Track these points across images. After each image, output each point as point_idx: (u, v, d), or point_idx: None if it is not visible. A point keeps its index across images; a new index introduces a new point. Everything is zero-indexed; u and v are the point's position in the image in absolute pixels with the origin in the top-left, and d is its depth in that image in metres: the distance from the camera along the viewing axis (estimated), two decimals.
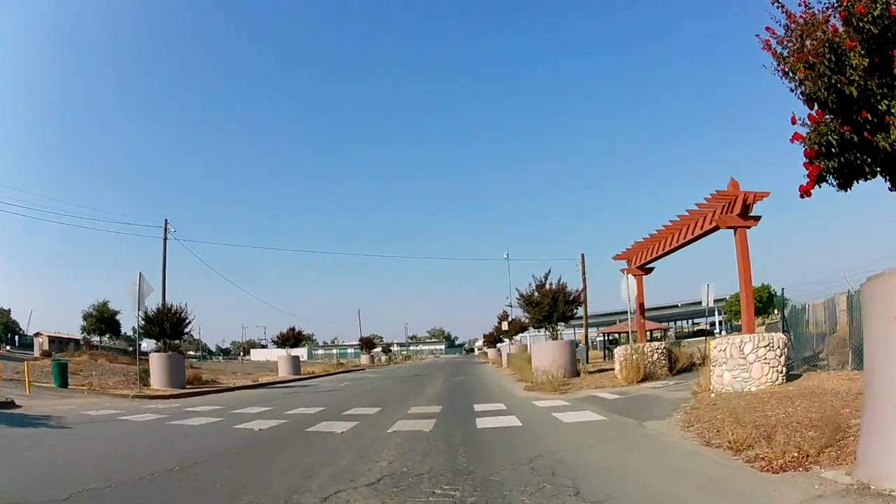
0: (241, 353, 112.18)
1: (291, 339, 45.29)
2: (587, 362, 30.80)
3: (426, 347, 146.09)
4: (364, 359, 72.94)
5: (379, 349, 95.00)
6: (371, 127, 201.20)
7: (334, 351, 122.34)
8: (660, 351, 20.11)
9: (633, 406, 12.96)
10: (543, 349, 23.05)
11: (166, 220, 38.06)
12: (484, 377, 28.99)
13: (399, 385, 24.96)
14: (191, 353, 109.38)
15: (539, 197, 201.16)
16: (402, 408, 14.29)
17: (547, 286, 24.22)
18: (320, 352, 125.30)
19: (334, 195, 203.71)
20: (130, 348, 44.27)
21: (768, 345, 13.19)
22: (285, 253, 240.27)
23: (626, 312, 21.59)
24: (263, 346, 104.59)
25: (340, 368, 53.15)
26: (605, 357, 44.43)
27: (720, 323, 72.39)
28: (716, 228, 15.58)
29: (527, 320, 30.15)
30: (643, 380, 18.23)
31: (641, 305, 21.71)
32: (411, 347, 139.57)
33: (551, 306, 23.68)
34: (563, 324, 24.81)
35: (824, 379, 12.38)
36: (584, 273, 39.14)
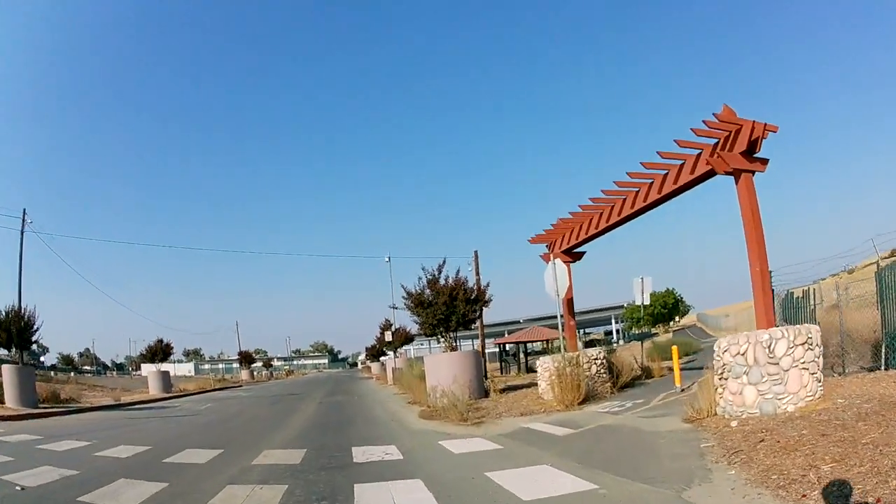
0: (132, 369, 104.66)
1: (160, 352, 40.03)
2: (486, 377, 25.66)
3: (309, 362, 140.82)
4: (244, 374, 68.63)
5: (260, 364, 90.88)
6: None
7: (220, 366, 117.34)
8: (599, 362, 15.16)
9: (613, 451, 7.80)
10: (440, 363, 17.58)
11: (24, 210, 35.58)
12: (367, 397, 24.47)
13: (266, 408, 20.69)
14: (86, 367, 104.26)
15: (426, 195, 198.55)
16: (248, 452, 9.39)
17: (442, 281, 18.73)
18: (207, 367, 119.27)
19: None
20: None
21: (806, 342, 8.55)
22: (165, 263, 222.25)
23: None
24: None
25: (218, 385, 48.70)
26: (502, 370, 39.74)
27: (618, 332, 70.07)
28: (707, 176, 10.78)
29: (415, 327, 24.23)
30: (584, 401, 13.16)
31: (570, 303, 16.70)
32: (295, 362, 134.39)
33: (448, 306, 18.24)
34: (462, 330, 19.38)
35: (879, 384, 9.03)
36: (478, 272, 33.92)
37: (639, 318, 71.63)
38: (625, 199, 13.52)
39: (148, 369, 45.07)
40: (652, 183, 12.38)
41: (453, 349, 19.04)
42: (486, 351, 51.01)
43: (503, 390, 18.33)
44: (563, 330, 15.46)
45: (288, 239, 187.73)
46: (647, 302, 20.38)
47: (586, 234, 15.28)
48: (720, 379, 8.87)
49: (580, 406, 12.81)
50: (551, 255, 15.62)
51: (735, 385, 8.59)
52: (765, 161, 10.03)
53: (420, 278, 18.96)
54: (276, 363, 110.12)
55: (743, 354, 8.57)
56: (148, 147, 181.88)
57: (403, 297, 19.46)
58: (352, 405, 19.95)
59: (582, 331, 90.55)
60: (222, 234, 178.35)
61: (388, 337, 43.52)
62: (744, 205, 9.78)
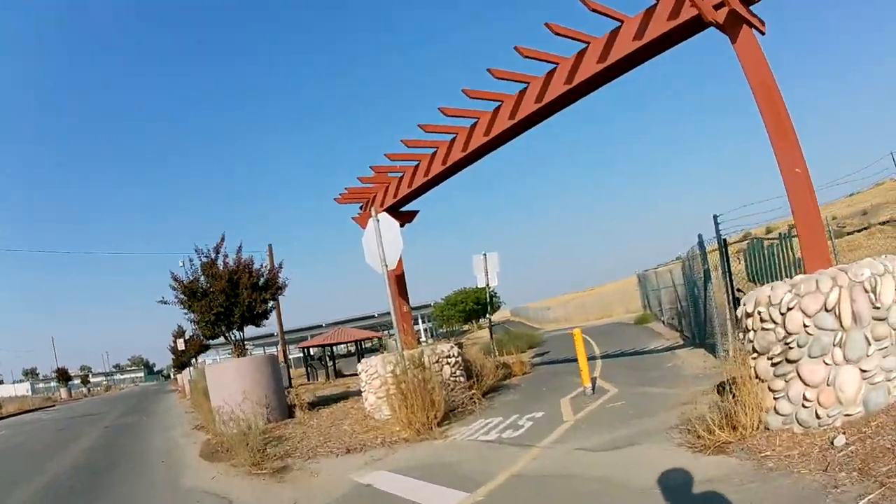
0: None
1: None
2: (290, 387, 19.98)
3: (128, 376, 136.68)
4: (63, 392, 64.86)
5: (78, 381, 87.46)
6: None
7: (53, 384, 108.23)
8: (453, 360, 10.37)
9: None
10: (225, 374, 11.98)
11: None
12: (159, 417, 19.65)
13: (50, 436, 17.29)
14: None
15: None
16: None
17: (221, 264, 13.03)
18: (41, 385, 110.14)
19: None
20: None
21: None
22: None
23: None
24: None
25: (38, 405, 45.32)
26: (308, 378, 33.79)
27: (426, 331, 66.83)
28: (691, 28, 6.35)
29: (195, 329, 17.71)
30: (444, 419, 8.39)
31: (402, 280, 11.73)
32: (116, 376, 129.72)
33: (229, 295, 12.71)
34: (252, 328, 13.87)
35: None
36: (273, 265, 27.90)
37: (449, 316, 69.59)
38: (487, 121, 8.90)
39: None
40: (552, 76, 7.82)
41: (241, 353, 13.32)
42: (291, 356, 44.99)
43: (313, 405, 12.98)
44: (396, 317, 10.40)
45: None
46: (494, 283, 16.14)
47: (424, 178, 10.47)
48: (775, 364, 4.41)
49: (441, 429, 8.04)
50: (373, 211, 10.41)
51: (818, 370, 4.17)
52: (762, 22, 5.96)
53: (190, 260, 13.12)
54: (95, 379, 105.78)
55: (830, 311, 4.16)
56: None
57: (172, 286, 13.37)
58: (135, 431, 15.45)
59: (387, 331, 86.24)
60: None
61: (181, 345, 36.05)
62: (755, 73, 5.52)
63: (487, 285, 16.07)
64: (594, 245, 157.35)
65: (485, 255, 16.04)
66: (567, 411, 7.96)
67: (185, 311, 13.54)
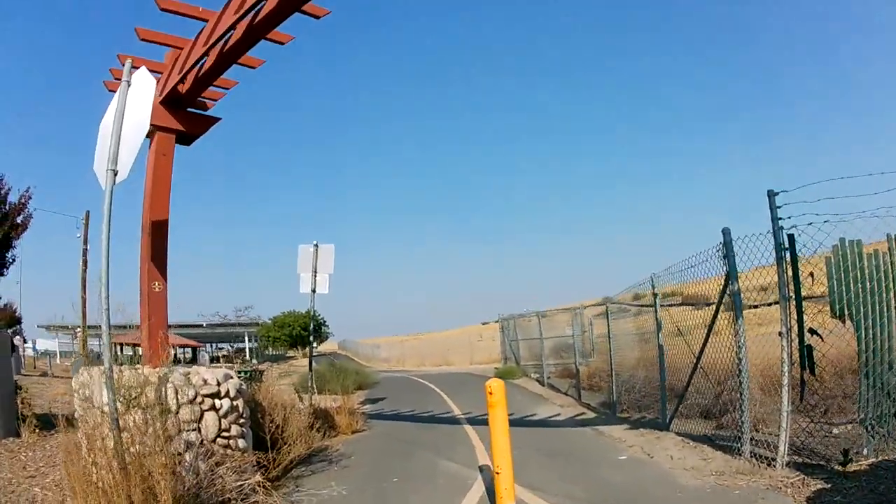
0: None
1: None
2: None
3: None
4: None
5: None
6: None
7: None
8: (227, 403, 5.39)
9: None
10: None
11: None
12: None
13: None
14: None
15: None
16: None
17: None
18: None
19: None
20: None
21: None
22: None
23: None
24: None
25: None
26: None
27: (250, 350, 59.56)
28: None
29: None
30: None
31: (159, 235, 6.23)
32: None
33: None
34: None
35: None
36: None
37: (275, 339, 62.86)
38: None
39: None
40: None
41: None
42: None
43: (51, 421, 7.22)
44: (142, 300, 5.29)
45: None
46: (323, 289, 10.93)
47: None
48: None
49: None
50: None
51: None
52: None
53: None
54: None
55: None
56: None
57: None
58: None
59: (213, 345, 78.05)
60: None
61: None
62: None
63: (313, 291, 10.93)
64: (432, 288, 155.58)
65: (316, 245, 11.02)
66: None
67: None
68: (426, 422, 10.26)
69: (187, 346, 32.02)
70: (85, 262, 22.62)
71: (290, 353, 65.91)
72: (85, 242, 23.54)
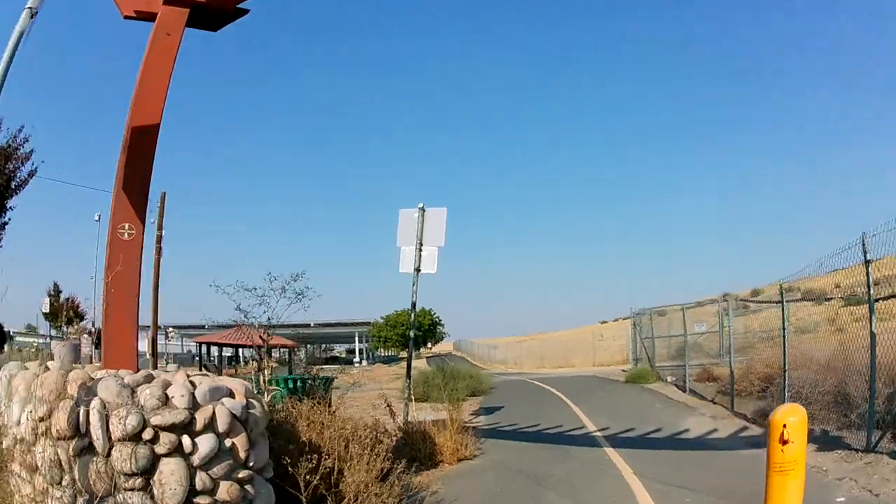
0: None
1: None
2: None
3: None
4: None
5: None
6: None
7: None
8: (217, 439, 3.28)
9: None
10: None
11: None
12: None
13: None
14: None
15: None
16: None
17: None
18: None
19: None
20: None
21: None
22: None
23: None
24: None
25: None
26: None
27: (361, 351, 59.08)
28: None
29: None
30: None
31: (141, 138, 4.05)
32: None
33: None
34: None
35: None
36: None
37: (386, 338, 61.85)
38: None
39: None
40: None
41: None
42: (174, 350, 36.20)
43: None
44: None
45: None
46: (430, 269, 8.46)
47: None
48: None
49: None
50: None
51: None
52: None
53: None
54: None
55: None
56: None
57: None
58: None
59: (323, 345, 78.56)
60: None
61: None
62: None
63: (416, 271, 8.55)
64: (545, 290, 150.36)
65: (422, 208, 8.54)
66: None
67: None
68: (555, 442, 8.01)
69: (284, 346, 30.33)
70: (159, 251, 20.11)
71: (402, 353, 64.67)
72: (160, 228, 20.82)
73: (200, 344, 30.96)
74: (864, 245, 5.83)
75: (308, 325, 59.52)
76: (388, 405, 7.60)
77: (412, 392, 8.53)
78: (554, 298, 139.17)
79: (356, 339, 57.93)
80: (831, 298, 9.20)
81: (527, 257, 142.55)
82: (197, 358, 32.36)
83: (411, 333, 9.10)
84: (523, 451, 7.55)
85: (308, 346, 79.67)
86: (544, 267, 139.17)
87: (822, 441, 6.27)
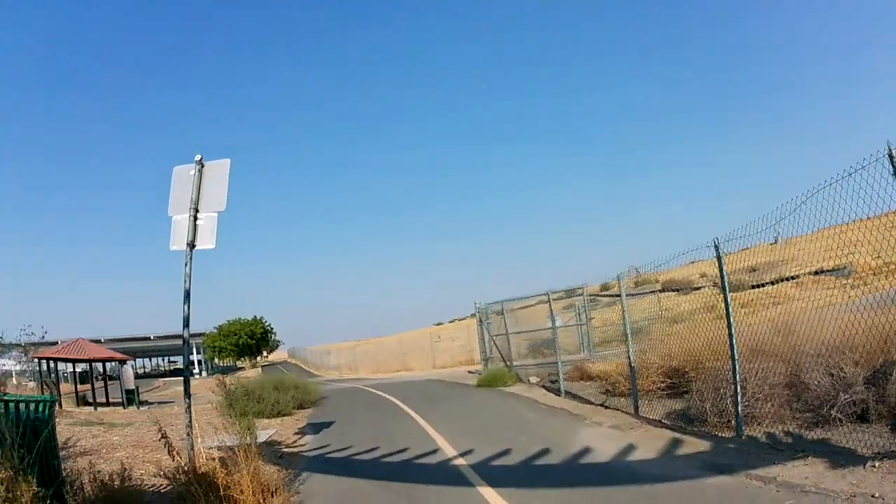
0: None
1: None
2: None
3: None
4: None
5: None
6: None
7: None
8: None
9: None
10: None
11: None
12: None
13: None
14: None
15: None
16: None
17: None
18: None
19: None
20: None
21: None
22: None
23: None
24: None
25: None
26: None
27: (200, 362, 55.92)
28: None
29: None
30: None
31: None
32: None
33: None
34: None
35: None
36: None
37: (221, 349, 58.22)
38: None
39: None
40: None
41: None
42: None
43: None
44: None
45: None
46: (208, 244, 5.71)
47: None
48: None
49: None
50: None
51: None
52: None
53: None
54: None
55: None
56: None
57: None
58: None
59: (167, 359, 74.68)
60: None
61: None
62: None
63: (190, 247, 5.66)
64: (378, 295, 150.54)
65: (200, 161, 5.87)
66: None
67: None
68: (403, 478, 5.86)
69: (113, 359, 27.06)
70: None
71: (239, 363, 62.41)
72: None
73: (41, 359, 26.23)
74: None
75: (149, 338, 54.48)
76: (165, 437, 5.25)
77: (193, 419, 5.92)
78: (387, 303, 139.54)
79: (194, 350, 53.73)
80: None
81: (358, 263, 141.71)
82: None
83: (186, 338, 6.37)
84: (362, 493, 5.53)
85: (151, 358, 74.57)
86: (377, 272, 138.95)
87: (794, 450, 4.94)
